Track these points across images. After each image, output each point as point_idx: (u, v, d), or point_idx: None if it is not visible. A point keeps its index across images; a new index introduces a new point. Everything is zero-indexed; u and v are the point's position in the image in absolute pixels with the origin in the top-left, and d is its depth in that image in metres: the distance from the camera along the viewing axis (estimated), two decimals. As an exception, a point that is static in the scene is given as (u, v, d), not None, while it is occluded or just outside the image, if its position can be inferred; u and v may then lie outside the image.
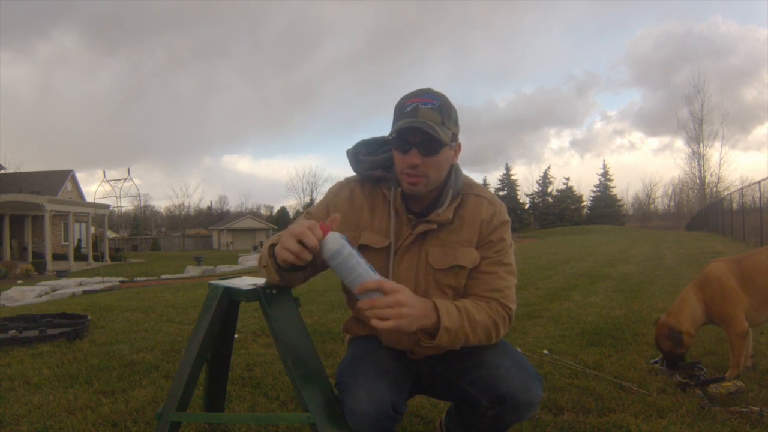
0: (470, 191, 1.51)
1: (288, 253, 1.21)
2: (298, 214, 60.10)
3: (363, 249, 1.47)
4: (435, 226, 1.44)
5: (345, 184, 1.57)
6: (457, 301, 1.39)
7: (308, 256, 1.21)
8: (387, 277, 1.45)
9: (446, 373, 1.50)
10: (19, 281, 15.77)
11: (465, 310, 1.35)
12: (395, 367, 1.44)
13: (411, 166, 1.37)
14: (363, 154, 1.54)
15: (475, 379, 1.42)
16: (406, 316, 1.20)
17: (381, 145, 1.55)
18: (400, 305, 1.20)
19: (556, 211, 54.86)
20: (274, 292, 1.47)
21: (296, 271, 1.32)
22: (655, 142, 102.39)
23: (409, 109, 1.36)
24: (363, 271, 1.21)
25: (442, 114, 1.37)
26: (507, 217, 1.51)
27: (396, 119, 1.40)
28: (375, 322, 1.20)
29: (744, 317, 2.56)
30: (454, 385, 1.48)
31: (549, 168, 72.46)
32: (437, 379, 1.54)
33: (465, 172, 1.56)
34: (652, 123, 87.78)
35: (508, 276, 1.47)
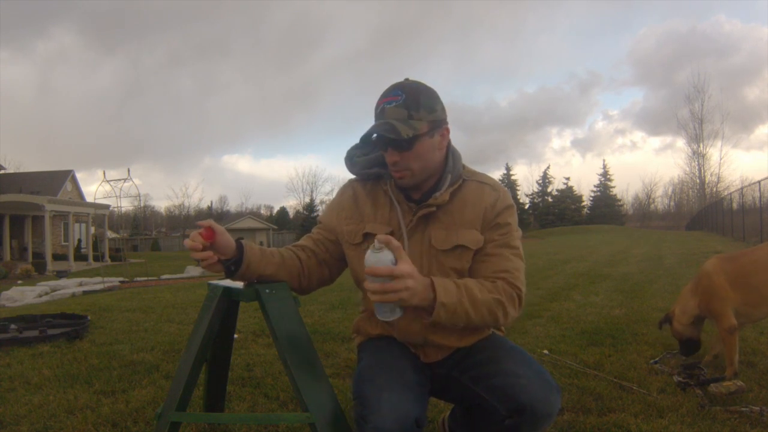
0: (473, 178, 1.53)
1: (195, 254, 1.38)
2: (298, 214, 60.05)
3: (368, 237, 1.52)
4: (434, 209, 1.46)
5: (348, 185, 1.64)
6: (459, 279, 1.39)
7: (202, 253, 1.37)
8: (395, 262, 1.47)
9: (462, 378, 1.49)
10: (19, 281, 15.77)
11: (465, 287, 1.34)
12: (417, 380, 1.43)
13: (392, 163, 1.44)
14: (357, 156, 1.57)
15: (494, 386, 1.40)
16: (409, 289, 1.24)
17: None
18: (406, 288, 1.23)
19: (556, 211, 54.92)
20: (273, 291, 1.47)
21: (232, 274, 1.46)
22: (656, 141, 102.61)
23: (378, 111, 1.42)
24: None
25: (408, 108, 1.39)
26: (511, 202, 1.52)
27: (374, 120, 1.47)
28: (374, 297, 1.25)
29: (732, 314, 2.59)
30: (470, 390, 1.46)
31: (549, 168, 72.65)
32: (451, 382, 1.53)
33: None
34: (654, 122, 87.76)
35: (515, 258, 1.46)
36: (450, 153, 1.51)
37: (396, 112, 1.39)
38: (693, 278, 2.88)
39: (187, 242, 1.37)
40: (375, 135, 1.41)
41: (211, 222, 1.37)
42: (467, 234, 1.46)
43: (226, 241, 1.41)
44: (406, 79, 1.45)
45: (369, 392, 1.35)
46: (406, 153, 1.41)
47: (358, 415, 1.34)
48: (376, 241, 1.22)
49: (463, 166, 1.55)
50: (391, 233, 1.50)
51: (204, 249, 1.36)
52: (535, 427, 1.38)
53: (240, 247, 1.45)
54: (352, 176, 1.63)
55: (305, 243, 1.62)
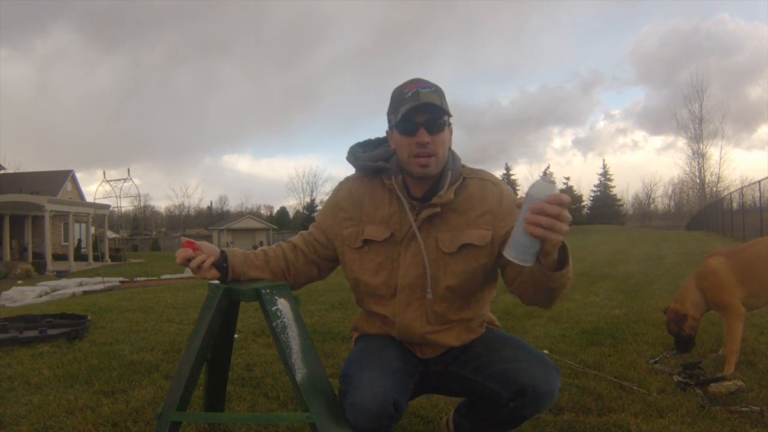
0: (473, 175, 1.54)
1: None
2: (298, 214, 60.06)
3: (367, 243, 1.52)
4: (439, 209, 1.47)
5: (344, 182, 1.63)
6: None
7: (199, 258, 1.47)
8: (397, 265, 1.49)
9: (461, 372, 1.52)
10: (19, 281, 15.76)
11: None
12: (402, 369, 1.46)
13: (421, 145, 1.41)
14: (360, 152, 1.60)
15: (495, 373, 1.44)
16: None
17: (378, 144, 1.61)
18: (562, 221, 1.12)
19: (556, 210, 54.82)
20: (274, 291, 1.47)
21: (225, 273, 1.53)
22: (658, 141, 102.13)
23: (410, 94, 1.42)
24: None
25: (440, 96, 1.44)
26: (515, 197, 1.52)
27: (397, 106, 1.45)
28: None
29: (740, 303, 2.73)
30: (471, 381, 1.50)
31: (549, 167, 72.41)
32: (449, 377, 1.55)
33: None
34: (656, 121, 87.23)
35: None
36: (450, 152, 1.53)
37: (432, 96, 1.42)
38: (694, 275, 2.93)
39: (180, 260, 1.46)
40: (409, 111, 1.40)
41: (184, 239, 1.50)
42: (474, 232, 1.47)
43: (209, 246, 1.51)
44: (422, 78, 1.49)
45: (353, 371, 1.42)
46: (436, 136, 1.43)
47: (340, 391, 1.41)
48: (545, 174, 1.16)
49: (462, 165, 1.57)
50: (391, 236, 1.50)
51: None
52: (538, 406, 1.43)
53: (222, 252, 1.54)
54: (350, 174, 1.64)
55: (297, 241, 1.64)
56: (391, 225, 1.50)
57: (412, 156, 1.43)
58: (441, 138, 1.44)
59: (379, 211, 1.53)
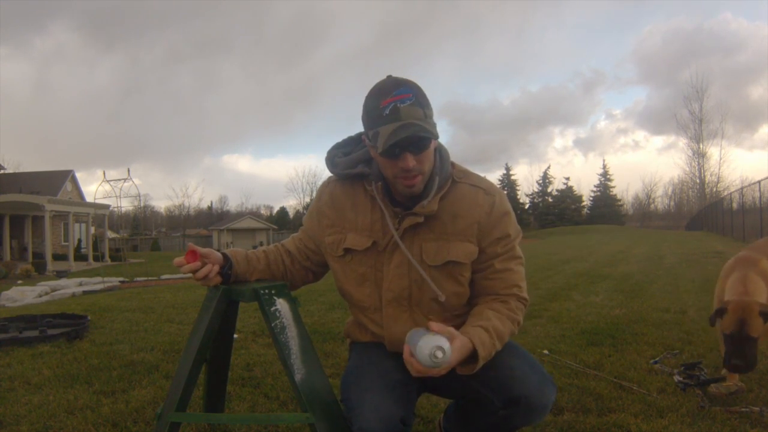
0: (465, 180, 1.44)
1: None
2: (298, 214, 60.08)
3: (348, 252, 1.47)
4: (422, 219, 1.39)
5: (326, 186, 1.57)
6: (484, 319, 1.34)
7: (205, 268, 1.45)
8: (381, 276, 1.45)
9: (456, 374, 1.48)
10: (19, 281, 15.76)
11: (494, 330, 1.33)
12: (401, 380, 1.41)
13: (408, 169, 1.31)
14: (339, 156, 1.51)
15: (490, 379, 1.39)
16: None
17: (358, 142, 1.52)
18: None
19: (556, 211, 54.95)
20: (273, 292, 1.47)
21: (228, 278, 1.53)
22: (659, 140, 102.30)
23: (387, 111, 1.27)
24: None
25: (422, 106, 1.29)
26: (508, 207, 1.45)
27: (373, 123, 1.31)
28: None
29: None
30: (465, 384, 1.45)
31: (549, 167, 72.53)
32: (445, 378, 1.53)
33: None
34: (657, 121, 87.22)
35: (520, 268, 1.47)
36: (437, 152, 1.40)
37: (414, 111, 1.27)
38: (758, 273, 2.36)
39: (185, 269, 1.42)
40: (395, 144, 1.26)
41: (190, 245, 1.47)
42: (459, 247, 1.40)
43: (213, 254, 1.48)
44: (389, 77, 1.33)
45: (353, 394, 1.36)
46: (423, 154, 1.31)
47: (345, 418, 1.37)
48: (439, 352, 1.19)
49: (453, 164, 1.47)
50: (373, 244, 1.44)
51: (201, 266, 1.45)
52: (529, 418, 1.39)
53: (226, 256, 1.52)
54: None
55: (290, 248, 1.63)
56: (373, 233, 1.44)
57: (397, 177, 1.34)
58: (426, 154, 1.32)
59: (360, 217, 1.46)
